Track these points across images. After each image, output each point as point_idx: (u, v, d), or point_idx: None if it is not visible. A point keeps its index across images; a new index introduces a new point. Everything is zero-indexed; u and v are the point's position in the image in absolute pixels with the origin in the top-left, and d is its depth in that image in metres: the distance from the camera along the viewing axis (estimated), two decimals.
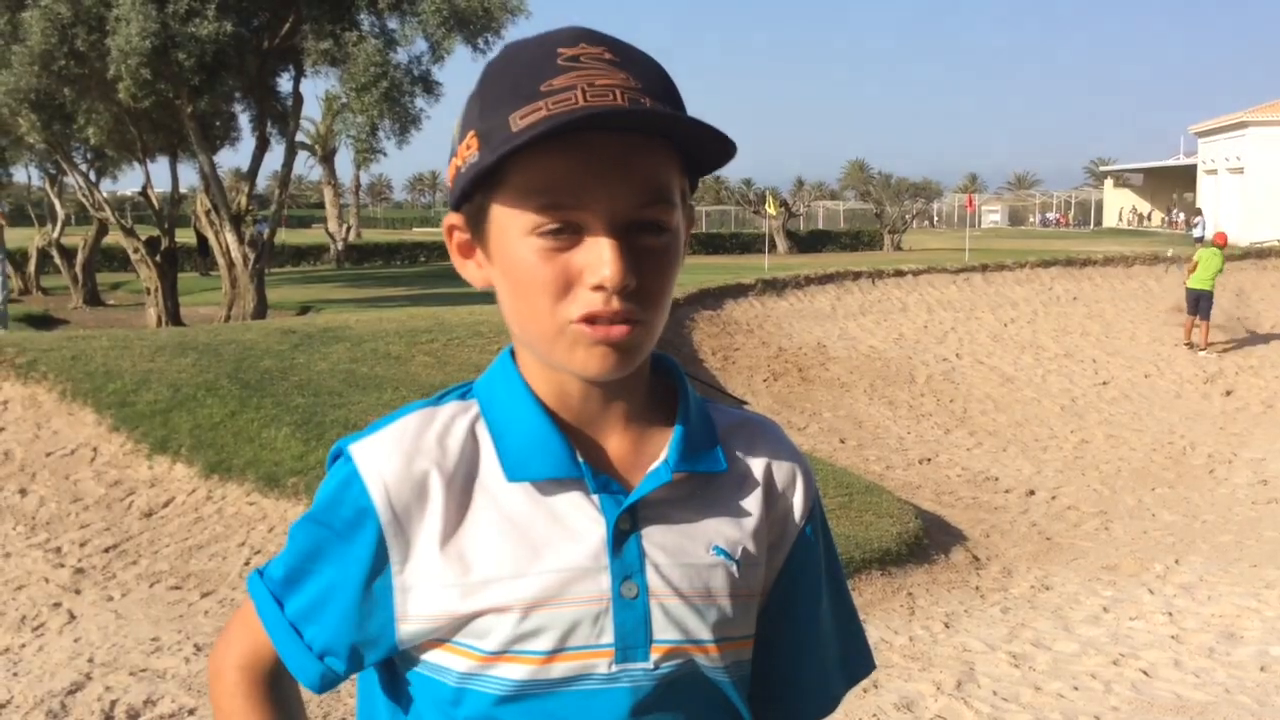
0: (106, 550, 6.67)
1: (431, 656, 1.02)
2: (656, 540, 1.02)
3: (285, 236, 40.77)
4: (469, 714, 1.00)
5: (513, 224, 0.95)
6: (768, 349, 13.98)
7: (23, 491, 7.36)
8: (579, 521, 1.00)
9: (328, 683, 1.06)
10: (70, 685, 4.88)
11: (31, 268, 28.29)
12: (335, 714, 4.63)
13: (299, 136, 24.34)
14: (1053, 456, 11.48)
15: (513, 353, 1.06)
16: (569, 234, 0.94)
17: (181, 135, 18.45)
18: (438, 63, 17.81)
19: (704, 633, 1.02)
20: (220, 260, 18.47)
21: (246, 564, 6.43)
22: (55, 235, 27.62)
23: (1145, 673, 5.59)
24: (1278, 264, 21.38)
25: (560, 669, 0.98)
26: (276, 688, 1.10)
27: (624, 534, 1.01)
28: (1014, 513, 9.29)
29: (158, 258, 18.63)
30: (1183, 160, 55.16)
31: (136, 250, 18.67)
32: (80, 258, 25.18)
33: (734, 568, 1.04)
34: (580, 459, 1.01)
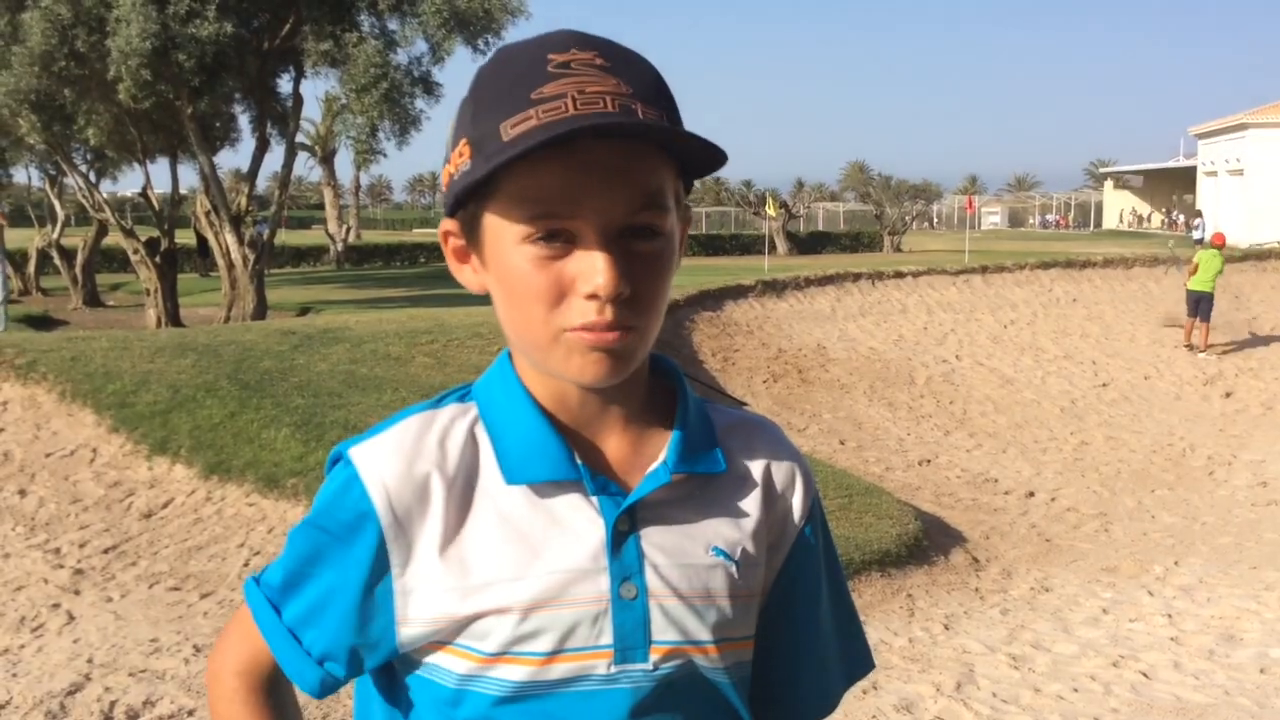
0: (106, 551, 6.67)
1: (431, 659, 1.02)
2: (655, 541, 1.02)
3: (285, 237, 40.78)
4: (467, 715, 1.00)
5: (506, 232, 0.95)
6: (767, 350, 13.98)
7: (22, 492, 7.36)
8: (578, 523, 1.00)
9: (327, 688, 1.06)
10: (69, 686, 4.88)
11: (31, 268, 28.29)
12: (334, 715, 4.63)
13: (299, 137, 24.37)
14: (1052, 458, 11.48)
15: (510, 355, 1.06)
16: (562, 242, 0.94)
17: (181, 136, 18.46)
18: (438, 64, 17.85)
19: (703, 633, 1.02)
20: (220, 261, 18.47)
21: (246, 565, 6.43)
22: (55, 236, 27.61)
23: (1145, 674, 5.59)
24: (1278, 266, 21.39)
25: (559, 670, 0.99)
26: (274, 693, 1.10)
27: (623, 535, 1.01)
28: (1013, 514, 9.29)
29: (157, 259, 18.63)
30: (1183, 162, 55.15)
31: (136, 251, 18.68)
32: (80, 258, 25.17)
33: (733, 568, 1.04)
34: (578, 461, 1.01)
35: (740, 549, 1.05)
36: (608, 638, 0.99)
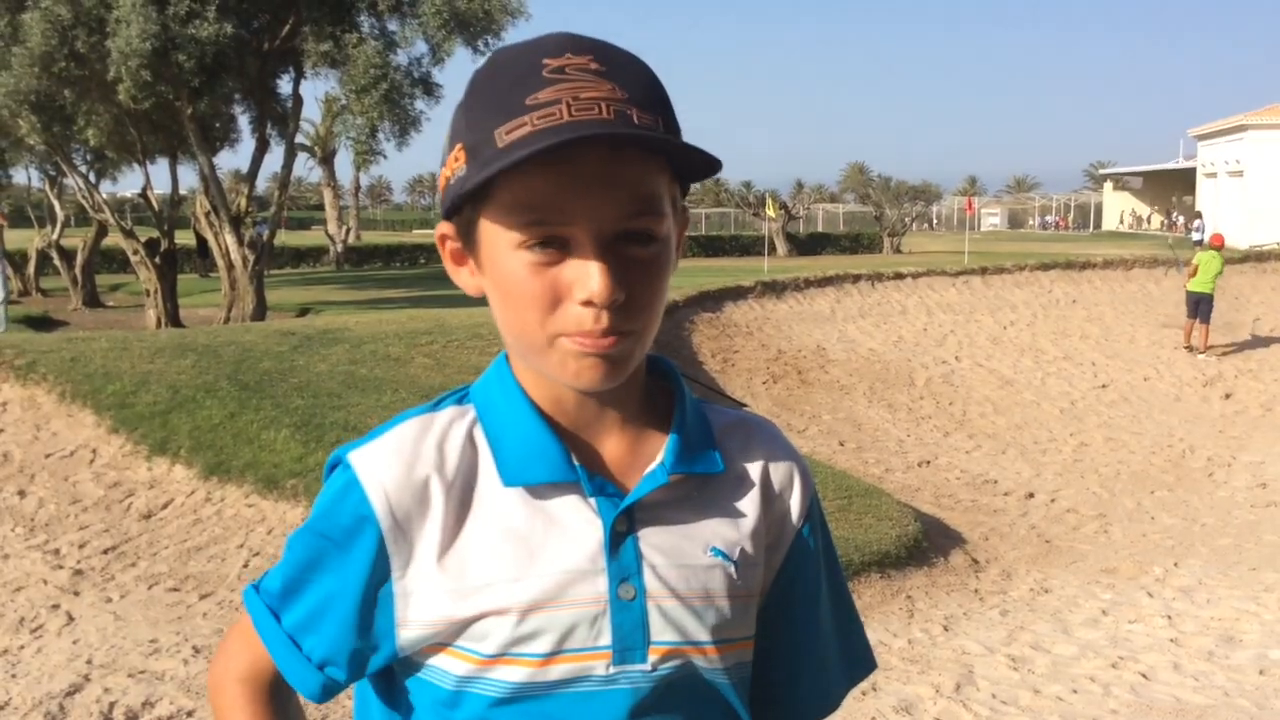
0: (105, 552, 6.67)
1: (431, 661, 1.02)
2: (654, 542, 1.02)
3: (285, 238, 40.79)
4: (465, 717, 1.01)
5: (501, 238, 0.95)
6: (767, 351, 13.98)
7: (21, 493, 7.36)
8: (576, 524, 1.00)
9: (328, 692, 1.06)
10: (69, 687, 4.88)
11: (31, 269, 28.28)
12: (334, 716, 4.63)
13: (299, 138, 24.36)
14: (1052, 459, 11.48)
15: (508, 357, 1.06)
16: (557, 248, 0.93)
17: (181, 137, 18.45)
18: (438, 65, 17.84)
19: (702, 634, 1.02)
20: (220, 262, 18.47)
21: (245, 566, 6.43)
22: (55, 237, 27.61)
23: (1144, 676, 5.59)
24: (1277, 267, 21.40)
25: (558, 671, 0.99)
26: (277, 700, 1.11)
27: (621, 536, 1.01)
28: (1013, 515, 9.29)
29: (157, 259, 18.62)
30: (1182, 163, 55.12)
31: (136, 252, 18.67)
32: (80, 259, 25.16)
33: (732, 569, 1.04)
34: (576, 462, 1.01)
35: (739, 549, 1.05)
36: (606, 638, 0.99)
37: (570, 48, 0.94)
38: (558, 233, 0.93)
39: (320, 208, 55.71)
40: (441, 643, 1.00)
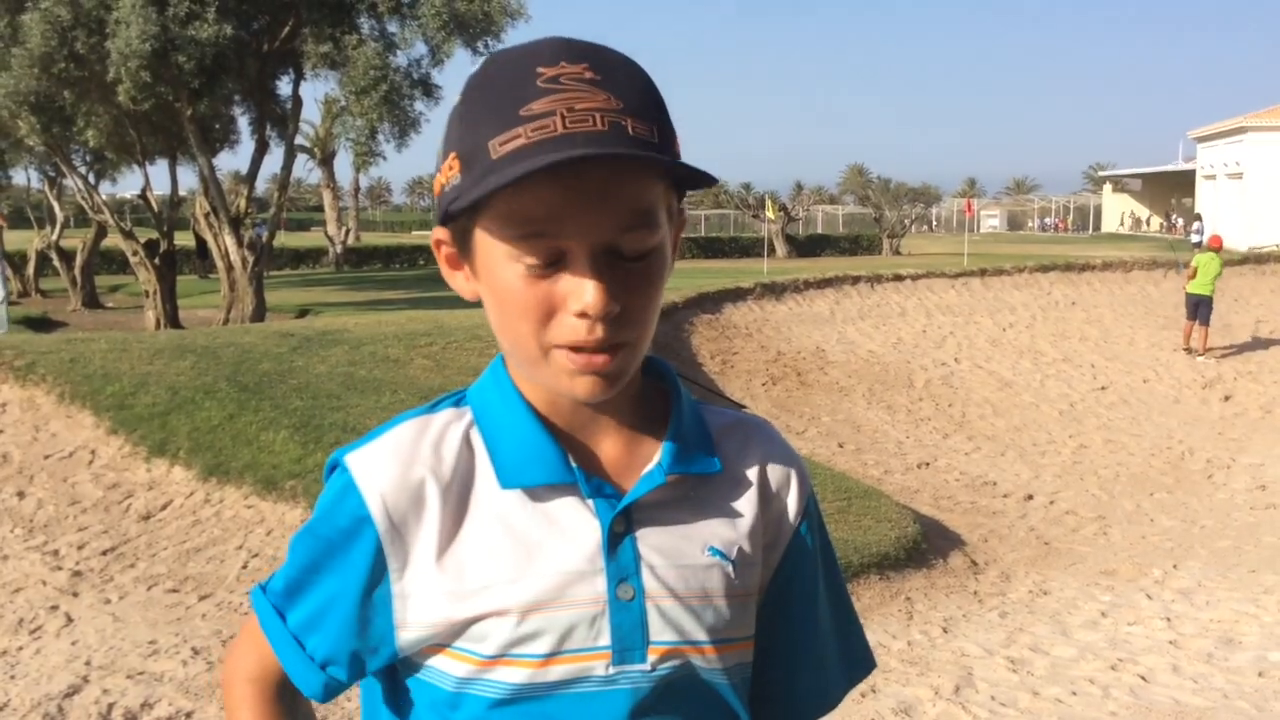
0: (104, 553, 6.67)
1: (431, 662, 1.02)
2: (652, 542, 1.02)
3: (284, 239, 40.78)
4: (466, 717, 1.01)
5: (495, 249, 0.95)
6: (766, 353, 13.99)
7: (20, 494, 7.35)
8: (574, 525, 1.01)
9: (331, 691, 1.07)
10: (67, 688, 4.88)
11: (30, 270, 28.28)
12: (334, 716, 4.62)
13: (298, 139, 24.37)
14: (1051, 461, 11.48)
15: (505, 360, 1.06)
16: (551, 261, 0.93)
17: (181, 138, 18.45)
18: (437, 66, 17.85)
19: (700, 634, 1.02)
20: (219, 263, 18.47)
21: (244, 567, 6.43)
22: (54, 238, 27.61)
23: (1143, 678, 5.59)
24: (1276, 269, 21.42)
25: (558, 672, 0.99)
26: (286, 698, 1.12)
27: (619, 536, 1.01)
28: (1012, 517, 9.29)
29: (156, 260, 18.62)
30: (1181, 165, 55.13)
31: (135, 253, 18.67)
32: (79, 260, 25.16)
33: (730, 568, 1.04)
34: (573, 464, 1.02)
35: (736, 549, 1.05)
36: (605, 639, 0.99)
37: (565, 55, 0.93)
38: (552, 245, 0.93)
39: (319, 209, 55.66)
40: (441, 644, 1.01)
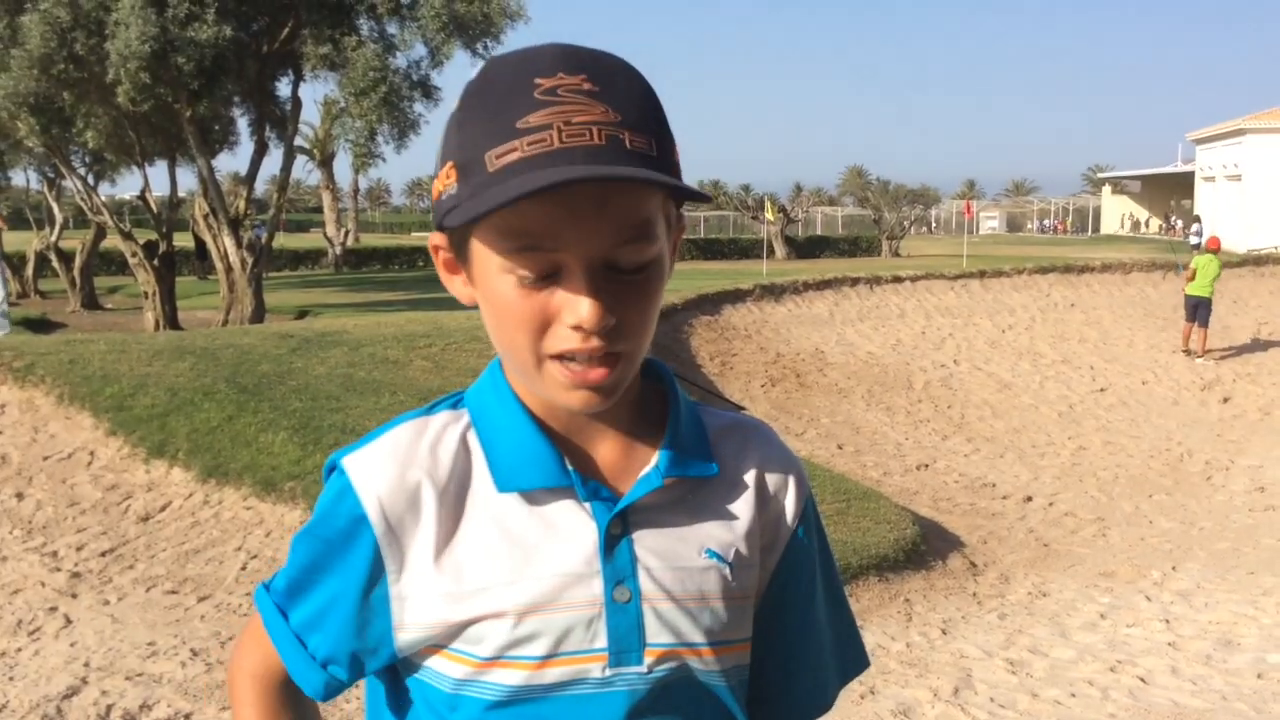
0: (103, 554, 6.66)
1: (429, 663, 1.03)
2: (648, 544, 1.02)
3: (283, 240, 40.78)
4: (463, 719, 1.01)
5: (491, 260, 0.95)
6: (766, 354, 13.99)
7: (19, 495, 7.35)
8: (570, 527, 1.01)
9: (331, 691, 1.08)
10: (66, 689, 4.87)
11: (30, 271, 28.27)
12: (333, 717, 4.62)
13: (297, 141, 24.37)
14: (1050, 463, 11.48)
15: (502, 363, 1.06)
16: (547, 273, 0.93)
17: (180, 139, 18.45)
18: (437, 68, 17.85)
19: (697, 636, 1.03)
20: (218, 264, 18.46)
21: (243, 568, 6.42)
22: (53, 239, 27.60)
23: (1142, 680, 5.59)
24: (1275, 271, 21.43)
25: (554, 674, 0.99)
26: (290, 695, 1.12)
27: (615, 539, 1.01)
28: (1011, 519, 9.29)
29: (156, 261, 18.62)
30: (1180, 167, 55.14)
31: (134, 254, 18.67)
32: (78, 261, 25.15)
33: (727, 570, 1.04)
34: (570, 467, 1.02)
35: (733, 551, 1.05)
36: (602, 641, 1.00)
37: (563, 65, 0.92)
38: (547, 259, 0.93)
39: (319, 210, 55.65)
40: (438, 645, 1.01)
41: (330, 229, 43.37)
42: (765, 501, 1.09)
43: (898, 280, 18.11)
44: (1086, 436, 12.52)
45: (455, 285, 1.04)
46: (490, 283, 0.96)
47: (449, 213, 0.95)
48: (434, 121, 19.10)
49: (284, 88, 19.50)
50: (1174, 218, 57.87)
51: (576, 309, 0.92)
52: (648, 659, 1.01)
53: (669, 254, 1.00)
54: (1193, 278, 16.11)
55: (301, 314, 19.73)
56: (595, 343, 0.93)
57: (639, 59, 0.99)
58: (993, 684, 5.44)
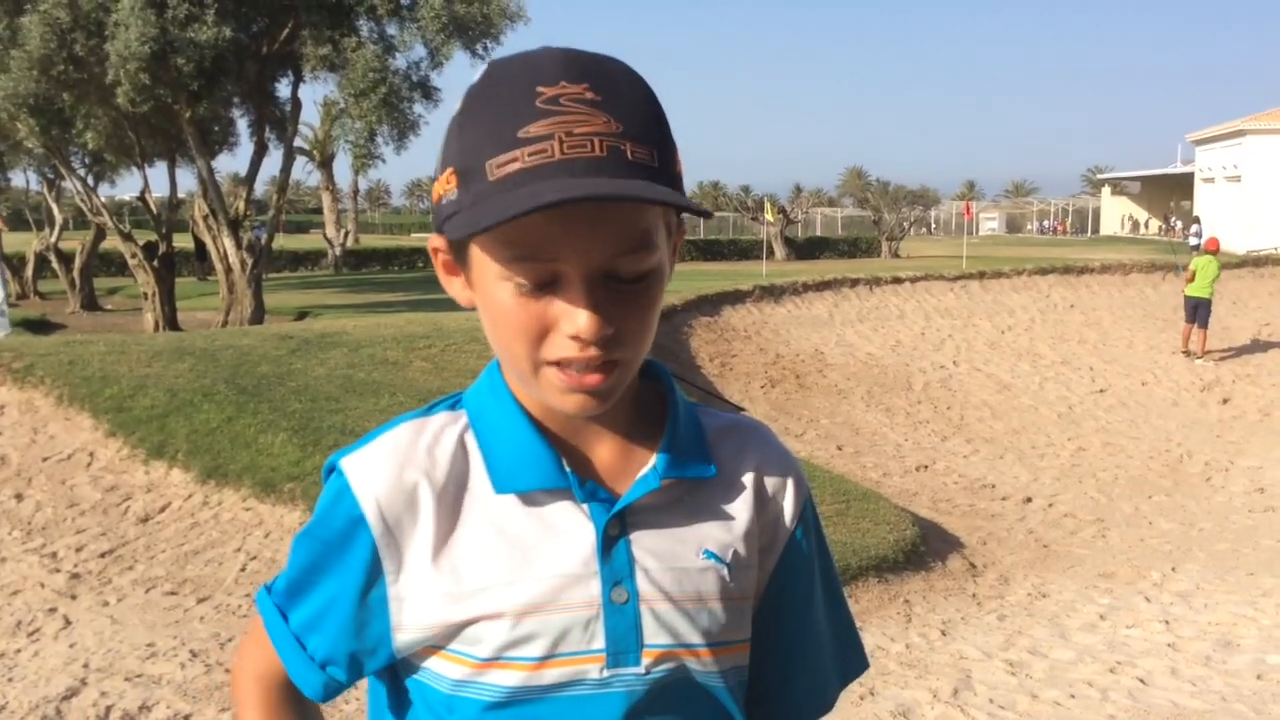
0: (102, 555, 6.66)
1: (428, 664, 1.03)
2: (646, 545, 1.02)
3: (283, 241, 40.77)
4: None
5: (489, 267, 0.95)
6: (765, 355, 13.99)
7: (19, 496, 7.35)
8: (568, 528, 1.01)
9: (330, 692, 1.08)
10: (66, 691, 4.87)
11: (29, 272, 28.28)
12: (333, 718, 4.62)
13: (297, 142, 24.38)
14: (1050, 464, 11.48)
15: (500, 364, 1.07)
16: (545, 282, 0.93)
17: (180, 140, 18.45)
18: (436, 69, 17.84)
19: (695, 637, 1.03)
20: (218, 265, 18.46)
21: (242, 570, 6.42)
22: (53, 240, 27.60)
23: (1142, 681, 5.59)
24: (1275, 272, 21.44)
25: (552, 675, 0.99)
26: (292, 695, 1.13)
27: (613, 540, 1.01)
28: (1011, 520, 9.29)
29: (155, 262, 18.62)
30: (1180, 168, 55.16)
31: (134, 255, 18.67)
32: (78, 262, 25.15)
33: (725, 571, 1.04)
34: (567, 468, 1.02)
35: (732, 552, 1.05)
36: (600, 642, 1.00)
37: (566, 73, 0.92)
38: (546, 269, 0.93)
39: (318, 211, 55.65)
40: (437, 645, 1.01)
41: (330, 230, 43.38)
42: (764, 502, 1.09)
43: (897, 281, 18.12)
44: (1086, 437, 12.52)
45: (454, 287, 1.04)
46: (489, 289, 0.96)
47: (448, 220, 0.95)
48: (434, 122, 19.11)
49: (284, 89, 19.53)
50: (1173, 219, 57.87)
51: (575, 320, 0.92)
52: (645, 660, 1.01)
53: (669, 260, 1.00)
54: (1192, 279, 16.11)
55: (301, 315, 19.73)
56: (593, 351, 0.93)
57: (638, 59, 0.99)
58: (992, 685, 5.44)
